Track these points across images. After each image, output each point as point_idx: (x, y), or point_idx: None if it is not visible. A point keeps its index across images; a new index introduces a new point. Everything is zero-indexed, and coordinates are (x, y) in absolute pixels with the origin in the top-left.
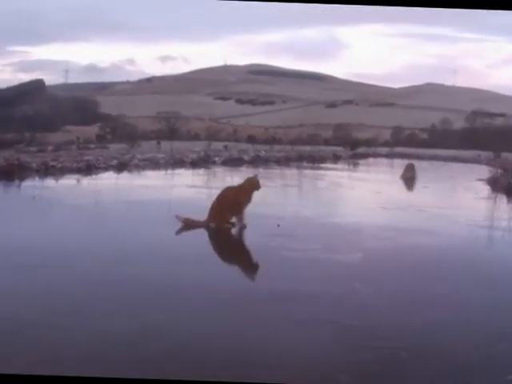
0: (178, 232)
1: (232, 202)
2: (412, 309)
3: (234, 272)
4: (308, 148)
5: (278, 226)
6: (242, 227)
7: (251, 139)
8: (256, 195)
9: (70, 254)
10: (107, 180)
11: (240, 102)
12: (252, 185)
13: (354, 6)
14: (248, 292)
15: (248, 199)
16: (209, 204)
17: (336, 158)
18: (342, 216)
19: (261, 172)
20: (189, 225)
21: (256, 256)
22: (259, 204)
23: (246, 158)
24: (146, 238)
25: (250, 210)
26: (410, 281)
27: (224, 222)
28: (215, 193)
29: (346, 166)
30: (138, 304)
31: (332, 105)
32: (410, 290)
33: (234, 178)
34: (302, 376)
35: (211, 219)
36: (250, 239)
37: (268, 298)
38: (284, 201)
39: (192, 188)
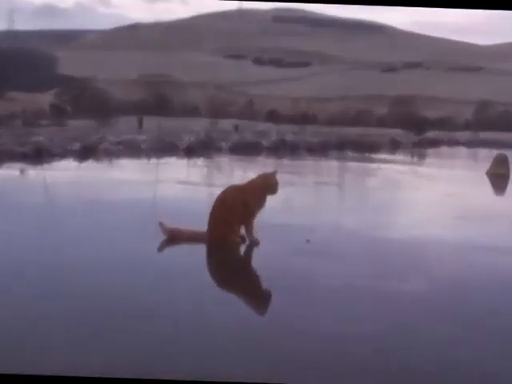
0: (161, 247)
1: (238, 207)
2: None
3: (238, 306)
4: (354, 130)
5: (308, 241)
6: (253, 243)
7: (273, 116)
8: (276, 198)
9: (11, 270)
10: (65, 171)
11: (259, 61)
12: (266, 185)
13: None
14: (257, 335)
15: (259, 203)
16: (210, 208)
17: (394, 146)
18: (399, 228)
19: (286, 164)
20: (176, 237)
21: (272, 283)
22: (280, 210)
23: (264, 143)
24: (116, 252)
25: (266, 218)
26: (503, 323)
27: (229, 234)
28: (219, 192)
29: (409, 158)
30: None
31: (390, 68)
32: (505, 337)
33: (248, 172)
34: None
35: (210, 230)
36: (265, 260)
37: (285, 345)
38: (317, 205)
39: (186, 185)
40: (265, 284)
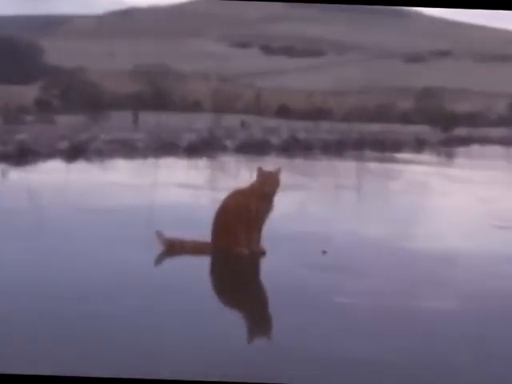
0: (159, 260)
1: (242, 213)
2: None
3: (240, 325)
4: (375, 127)
5: (324, 253)
6: (258, 253)
7: (284, 111)
8: (287, 203)
9: None
10: (51, 173)
11: (268, 50)
12: (264, 184)
13: None
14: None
15: (263, 206)
16: (213, 215)
17: (420, 144)
18: (427, 238)
19: (298, 165)
20: (177, 249)
21: (282, 301)
22: (293, 216)
23: (274, 141)
24: (108, 265)
25: (276, 225)
26: None
27: (233, 244)
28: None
29: (436, 158)
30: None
31: (415, 58)
32: None
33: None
34: None
35: (213, 241)
36: (274, 274)
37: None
38: (334, 212)
39: (187, 189)
40: (273, 302)
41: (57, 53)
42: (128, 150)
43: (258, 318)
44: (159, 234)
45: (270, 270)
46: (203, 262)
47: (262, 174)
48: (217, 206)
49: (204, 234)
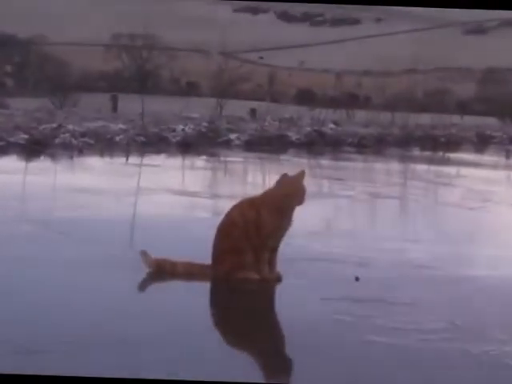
0: (143, 285)
1: (251, 229)
2: None
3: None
4: (425, 119)
5: (357, 279)
6: (272, 279)
7: (306, 97)
8: (310, 215)
9: None
10: (4, 174)
11: (286, 17)
12: (287, 194)
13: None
14: None
15: (281, 221)
16: (213, 232)
17: (482, 141)
18: (489, 264)
19: (324, 166)
20: (167, 271)
21: (302, 341)
22: (317, 232)
23: (293, 135)
24: (79, 291)
25: (294, 244)
26: None
27: (239, 268)
28: (229, 207)
29: (503, 159)
30: None
31: (478, 29)
32: None
33: (270, 175)
34: None
35: (214, 263)
36: (292, 306)
37: None
38: (370, 228)
39: (180, 196)
40: (291, 341)
41: (9, 18)
42: (104, 144)
43: (272, 361)
44: (145, 255)
45: (286, 300)
46: (200, 289)
47: (283, 180)
48: (219, 219)
49: (201, 257)
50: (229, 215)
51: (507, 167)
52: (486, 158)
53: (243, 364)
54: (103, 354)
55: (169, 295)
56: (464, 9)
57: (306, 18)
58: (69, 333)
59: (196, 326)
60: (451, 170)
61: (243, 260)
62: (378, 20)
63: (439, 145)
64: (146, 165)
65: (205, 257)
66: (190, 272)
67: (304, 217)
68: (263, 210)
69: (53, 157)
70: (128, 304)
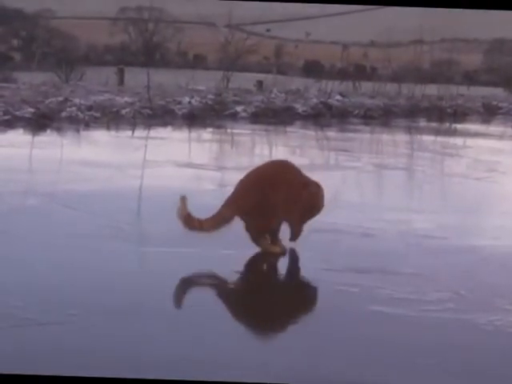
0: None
1: (281, 187)
2: None
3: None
4: (431, 89)
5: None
6: (277, 252)
7: (313, 69)
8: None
9: None
10: (10, 148)
11: None
12: (308, 200)
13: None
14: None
15: (305, 203)
16: (220, 204)
17: (489, 112)
18: (495, 235)
19: (331, 138)
20: (192, 226)
21: (305, 309)
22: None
23: (299, 107)
24: (85, 264)
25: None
26: None
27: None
28: (236, 179)
29: (510, 130)
30: None
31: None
32: None
33: (278, 147)
34: None
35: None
36: (296, 275)
37: None
38: (377, 199)
39: (187, 168)
40: (296, 309)
41: None
42: (110, 118)
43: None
44: (183, 202)
45: (292, 270)
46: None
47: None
48: (226, 190)
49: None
50: (258, 168)
51: None
52: (493, 128)
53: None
54: (109, 326)
55: (174, 266)
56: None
57: None
58: (74, 305)
59: (202, 296)
60: (458, 140)
61: (268, 219)
62: None
63: (446, 115)
64: (152, 137)
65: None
66: (215, 225)
67: None
68: (297, 182)
69: (59, 130)
70: (134, 277)
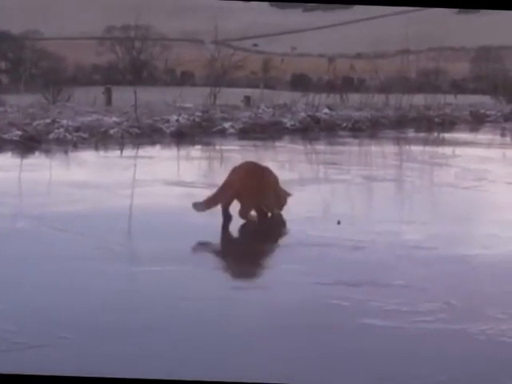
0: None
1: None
2: None
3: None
4: (419, 99)
5: (339, 223)
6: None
7: (301, 82)
8: (306, 199)
9: None
10: (1, 171)
11: (279, 4)
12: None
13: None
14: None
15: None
16: (211, 220)
17: (477, 120)
18: (485, 244)
19: (319, 151)
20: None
21: (296, 322)
22: (312, 217)
23: (287, 122)
24: (76, 286)
25: (291, 228)
26: None
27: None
28: None
29: (498, 138)
30: None
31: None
32: None
33: (267, 162)
34: None
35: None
36: (287, 287)
37: None
38: (366, 211)
39: (176, 186)
40: (287, 325)
41: (2, 14)
42: (99, 138)
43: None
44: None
45: (283, 281)
46: (201, 283)
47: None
48: (216, 209)
49: (195, 243)
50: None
51: (502, 145)
52: (481, 136)
53: (243, 364)
54: (101, 346)
55: (167, 288)
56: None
57: (299, 4)
58: (66, 328)
59: (194, 318)
60: (446, 150)
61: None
62: (370, 2)
63: (434, 125)
64: (140, 157)
65: (203, 246)
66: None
67: (300, 200)
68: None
69: (47, 152)
70: (126, 297)
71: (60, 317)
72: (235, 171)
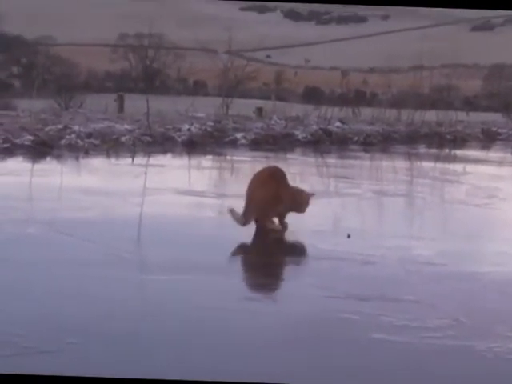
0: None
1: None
2: None
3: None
4: (431, 115)
5: (349, 236)
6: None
7: (313, 95)
8: (316, 213)
9: None
10: (10, 176)
11: (293, 16)
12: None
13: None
14: None
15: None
16: (221, 230)
17: (489, 138)
18: (496, 262)
19: (331, 165)
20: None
21: (306, 337)
22: (324, 230)
23: (299, 134)
24: (86, 292)
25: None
26: None
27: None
28: (236, 206)
29: (510, 156)
30: None
31: (484, 26)
32: None
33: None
34: None
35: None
36: (296, 302)
37: None
38: (377, 226)
39: (187, 196)
40: (297, 339)
41: (16, 20)
42: (110, 145)
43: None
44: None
45: (292, 298)
46: (205, 289)
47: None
48: (226, 218)
49: (209, 256)
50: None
51: None
52: (492, 154)
53: (243, 364)
54: (109, 353)
55: (175, 297)
56: (468, 8)
57: (313, 17)
58: (75, 334)
59: (203, 324)
60: (457, 167)
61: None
62: (385, 17)
63: (445, 142)
64: (151, 165)
65: (212, 255)
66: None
67: (310, 214)
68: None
69: (58, 158)
70: (134, 304)
71: (68, 322)
72: (250, 182)
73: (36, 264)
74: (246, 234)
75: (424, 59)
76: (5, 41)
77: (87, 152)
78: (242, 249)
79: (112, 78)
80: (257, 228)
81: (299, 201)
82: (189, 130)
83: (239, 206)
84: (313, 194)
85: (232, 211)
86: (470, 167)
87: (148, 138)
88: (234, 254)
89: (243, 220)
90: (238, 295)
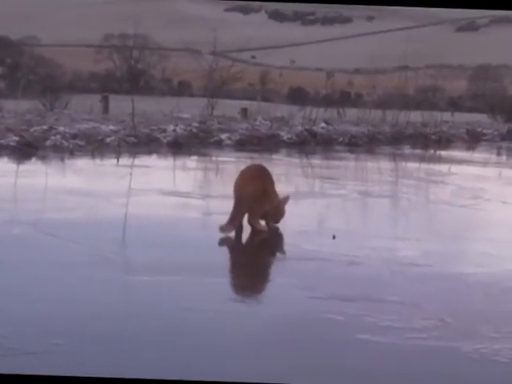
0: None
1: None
2: None
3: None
4: (416, 116)
5: (334, 237)
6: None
7: (298, 95)
8: (301, 214)
9: None
10: None
11: (277, 16)
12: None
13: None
14: None
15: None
16: (206, 231)
17: (473, 139)
18: (480, 262)
19: (316, 165)
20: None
21: (290, 337)
22: (309, 231)
23: (284, 135)
24: (70, 293)
25: (285, 242)
26: None
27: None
28: (220, 207)
29: (494, 156)
30: None
31: (469, 27)
32: None
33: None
34: None
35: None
36: (281, 303)
37: None
38: (361, 226)
39: (172, 197)
40: (281, 340)
41: (1, 20)
42: (95, 146)
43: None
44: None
45: (276, 296)
46: (194, 288)
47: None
48: (211, 219)
49: (194, 257)
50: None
51: (498, 164)
52: (477, 155)
53: (243, 363)
54: (94, 354)
55: (160, 298)
56: (453, 8)
57: (298, 17)
58: (60, 335)
59: (188, 325)
60: (442, 167)
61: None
62: (370, 18)
63: (430, 142)
64: (136, 166)
65: (197, 257)
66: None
67: (295, 215)
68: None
69: (44, 159)
70: (120, 306)
71: (53, 323)
72: (237, 179)
73: (20, 265)
74: (231, 235)
75: (409, 60)
76: None
77: (72, 153)
78: (226, 249)
79: (97, 78)
80: (240, 229)
81: (281, 209)
82: (174, 130)
83: (224, 207)
84: (288, 198)
85: (221, 228)
86: (454, 168)
87: (133, 139)
88: (219, 254)
89: (230, 228)
90: (223, 296)
